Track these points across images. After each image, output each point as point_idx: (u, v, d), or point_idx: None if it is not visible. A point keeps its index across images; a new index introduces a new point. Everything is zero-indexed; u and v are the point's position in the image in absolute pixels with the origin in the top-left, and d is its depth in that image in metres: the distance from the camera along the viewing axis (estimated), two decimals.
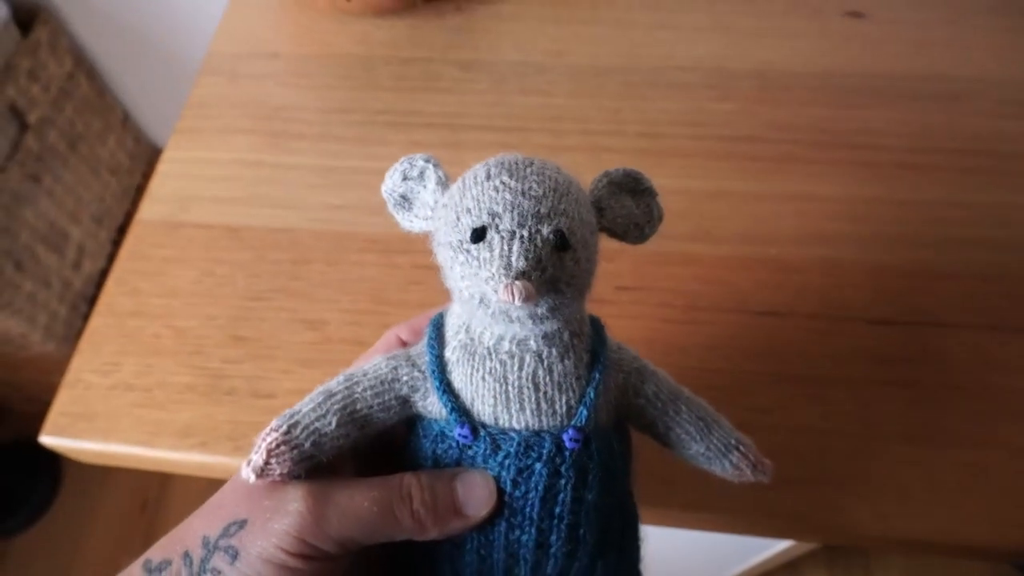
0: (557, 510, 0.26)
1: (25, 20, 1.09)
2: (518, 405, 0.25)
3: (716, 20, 0.61)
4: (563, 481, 0.26)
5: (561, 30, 0.61)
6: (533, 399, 0.25)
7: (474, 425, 0.26)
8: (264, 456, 0.25)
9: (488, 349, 0.25)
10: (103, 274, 1.27)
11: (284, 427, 0.25)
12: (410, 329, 0.30)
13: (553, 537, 0.26)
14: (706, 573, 0.86)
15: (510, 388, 0.25)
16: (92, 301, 1.23)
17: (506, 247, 0.22)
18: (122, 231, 1.32)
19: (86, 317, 1.21)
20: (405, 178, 0.27)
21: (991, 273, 0.46)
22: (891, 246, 0.48)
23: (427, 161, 0.26)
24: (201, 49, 0.63)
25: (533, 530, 0.26)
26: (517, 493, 0.26)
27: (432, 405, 0.27)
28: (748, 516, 0.40)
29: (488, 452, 0.26)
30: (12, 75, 1.05)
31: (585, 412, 0.26)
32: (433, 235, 0.26)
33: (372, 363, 0.27)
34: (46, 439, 0.43)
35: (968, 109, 0.54)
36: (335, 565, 0.25)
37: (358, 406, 0.26)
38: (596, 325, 0.28)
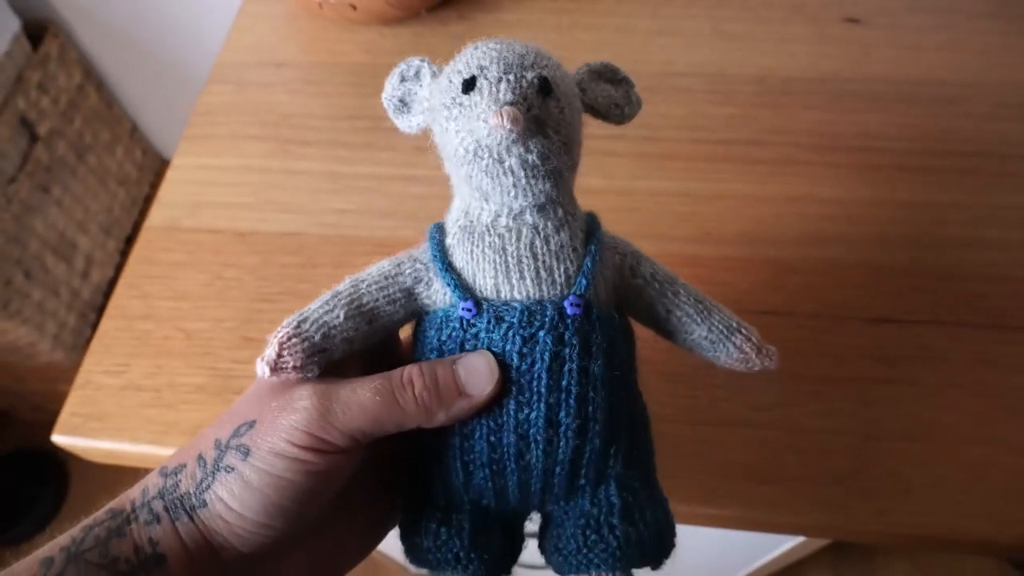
0: (564, 382, 0.26)
1: (35, 33, 1.11)
2: (518, 274, 0.26)
3: (716, 27, 0.62)
4: (567, 350, 0.26)
5: (562, 37, 0.62)
6: (532, 267, 0.26)
7: (477, 299, 0.26)
8: (276, 349, 0.25)
9: (486, 226, 0.26)
10: (111, 284, 1.28)
11: (294, 323, 0.26)
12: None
13: (562, 413, 0.26)
14: None
15: (509, 259, 0.26)
16: (100, 310, 1.24)
17: (494, 88, 0.24)
18: (130, 241, 1.33)
19: (94, 326, 1.22)
20: (403, 79, 0.28)
21: (989, 273, 0.47)
22: (890, 247, 0.48)
23: (422, 61, 0.28)
24: (208, 62, 0.64)
25: (542, 405, 0.26)
26: (523, 366, 0.26)
27: (436, 293, 0.28)
28: (750, 512, 0.40)
29: (492, 325, 0.26)
30: (23, 87, 1.06)
31: (584, 280, 0.26)
32: (431, 119, 0.27)
33: (376, 264, 0.28)
34: (58, 438, 0.44)
35: (964, 112, 0.55)
36: (345, 459, 0.26)
37: (364, 300, 0.27)
38: (591, 215, 0.29)
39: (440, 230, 0.28)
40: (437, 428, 0.27)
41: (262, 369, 0.26)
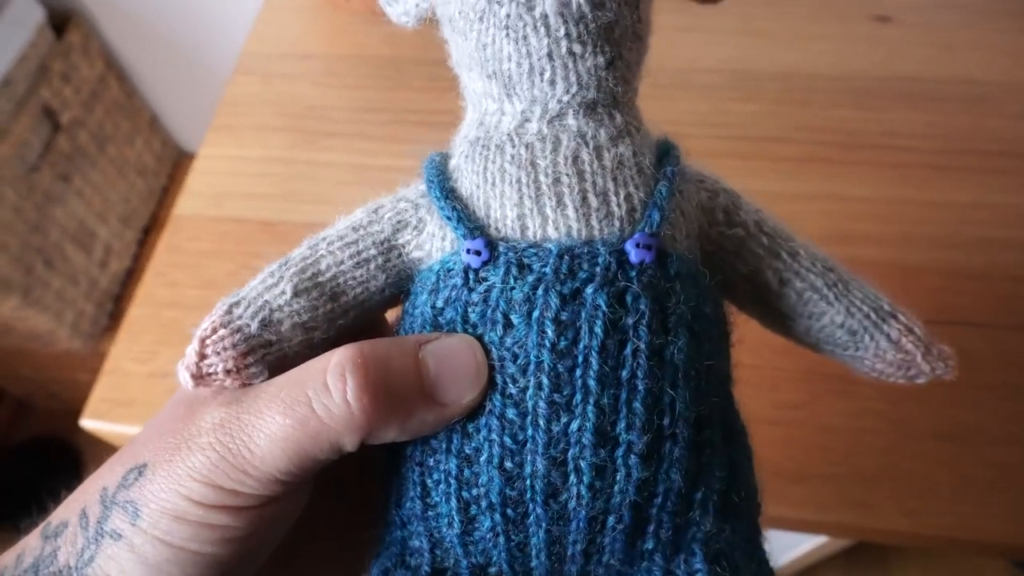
0: (625, 372, 0.17)
1: (59, 23, 1.12)
2: (554, 201, 0.17)
3: (742, 24, 0.61)
4: (631, 318, 0.17)
5: None
6: (576, 190, 0.17)
7: (490, 238, 0.18)
8: (198, 347, 0.18)
9: (508, 135, 0.18)
10: (129, 273, 1.29)
11: (223, 308, 0.19)
12: None
13: (621, 423, 0.17)
14: None
15: (541, 176, 0.17)
16: (118, 300, 1.25)
17: None
18: (148, 231, 1.34)
19: (112, 315, 1.23)
20: None
21: (1019, 274, 0.47)
22: (918, 246, 0.48)
23: None
24: (229, 55, 0.64)
25: (589, 409, 0.16)
26: (562, 344, 0.16)
27: (431, 240, 0.19)
28: (775, 510, 0.40)
29: (512, 277, 0.17)
30: (46, 77, 1.07)
31: (657, 214, 0.18)
32: None
33: (349, 215, 0.20)
34: (86, 423, 0.45)
35: (993, 111, 0.54)
36: (278, 507, 0.19)
37: (323, 265, 0.19)
38: (666, 139, 0.21)
39: (442, 156, 0.20)
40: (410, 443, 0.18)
41: (184, 378, 0.18)
